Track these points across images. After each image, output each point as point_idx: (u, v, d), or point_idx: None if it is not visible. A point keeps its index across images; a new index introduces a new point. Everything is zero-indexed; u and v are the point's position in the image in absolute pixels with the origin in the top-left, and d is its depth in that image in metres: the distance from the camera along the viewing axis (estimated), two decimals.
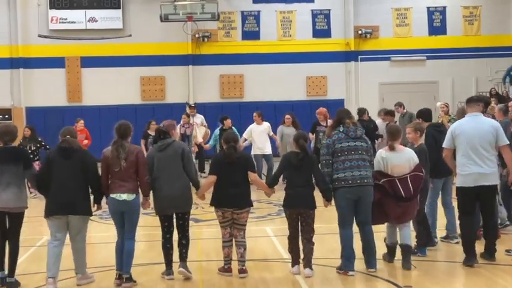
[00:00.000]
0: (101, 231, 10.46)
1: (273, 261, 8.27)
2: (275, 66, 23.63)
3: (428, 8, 24.32)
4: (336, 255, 7.67)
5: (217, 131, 16.23)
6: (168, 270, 7.48)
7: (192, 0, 21.26)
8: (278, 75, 23.53)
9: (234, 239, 7.54)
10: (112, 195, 7.18)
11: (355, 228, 7.48)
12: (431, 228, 8.60)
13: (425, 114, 9.14)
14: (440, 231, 8.92)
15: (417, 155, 7.68)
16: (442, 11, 24.40)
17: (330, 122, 15.33)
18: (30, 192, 7.49)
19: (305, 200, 7.34)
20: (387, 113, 15.51)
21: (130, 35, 22.87)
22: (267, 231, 10.23)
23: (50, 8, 23.06)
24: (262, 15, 23.89)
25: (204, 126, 17.84)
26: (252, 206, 7.60)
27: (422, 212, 8.14)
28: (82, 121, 16.94)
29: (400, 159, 7.49)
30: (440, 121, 13.24)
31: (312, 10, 24.08)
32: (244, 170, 7.44)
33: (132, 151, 7.23)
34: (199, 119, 18.05)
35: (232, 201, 7.37)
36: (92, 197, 7.31)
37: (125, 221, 7.23)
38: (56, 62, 23.22)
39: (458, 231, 8.62)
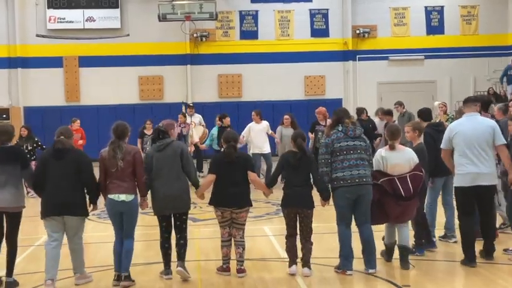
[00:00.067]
0: (100, 231, 10.46)
1: (271, 260, 8.27)
2: (273, 65, 23.63)
3: (426, 7, 24.34)
4: (334, 254, 7.67)
5: (213, 130, 16.24)
6: (167, 270, 7.48)
7: None
8: (276, 75, 23.53)
9: (233, 239, 7.54)
10: (110, 196, 7.16)
11: (353, 227, 7.48)
12: (430, 228, 8.61)
13: (424, 113, 9.16)
14: (439, 230, 8.93)
15: (416, 154, 7.68)
16: (440, 10, 24.42)
17: (329, 121, 15.36)
18: (28, 192, 7.47)
19: (303, 199, 7.34)
20: (386, 113, 15.52)
21: (128, 35, 22.87)
22: (265, 230, 10.23)
23: (48, 8, 23.04)
24: (260, 15, 23.89)
25: (202, 125, 17.86)
26: (252, 205, 7.60)
27: (421, 211, 8.13)
28: (78, 121, 16.93)
29: (400, 159, 7.49)
30: (438, 120, 13.25)
31: (310, 10, 24.09)
32: (243, 170, 7.43)
33: (129, 151, 7.23)
34: (197, 118, 18.07)
35: (232, 200, 7.37)
36: (87, 197, 7.28)
37: (124, 222, 7.22)
38: (54, 62, 23.21)
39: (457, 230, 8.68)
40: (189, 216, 7.68)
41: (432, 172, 8.29)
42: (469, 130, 7.60)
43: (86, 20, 23.11)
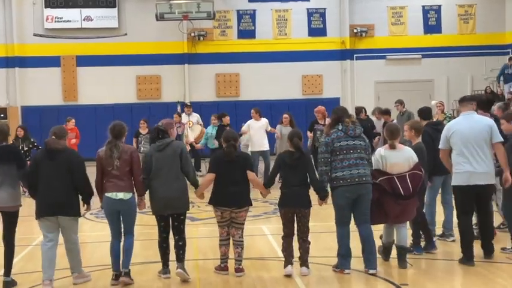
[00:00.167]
0: (97, 230, 10.45)
1: (269, 259, 8.28)
2: (271, 65, 23.64)
3: (423, 6, 24.37)
4: (332, 253, 7.68)
5: (209, 129, 16.26)
6: (165, 269, 7.48)
7: None
8: (274, 74, 23.54)
9: (232, 238, 7.54)
10: (107, 195, 7.15)
11: (352, 226, 7.48)
12: (431, 226, 8.60)
13: (424, 112, 9.16)
14: (437, 229, 8.92)
15: (415, 153, 7.68)
16: (437, 9, 24.45)
17: (328, 120, 15.37)
18: (24, 191, 7.47)
19: (300, 199, 7.33)
20: (384, 112, 15.52)
21: (125, 34, 22.87)
22: (263, 229, 10.23)
23: (45, 7, 23.04)
24: (258, 14, 23.90)
25: (200, 125, 17.85)
26: (252, 205, 7.58)
27: (421, 211, 8.12)
28: (73, 120, 16.92)
29: (399, 158, 7.48)
30: (435, 119, 13.25)
31: (308, 9, 24.11)
32: (243, 169, 7.42)
33: (126, 150, 7.22)
34: (195, 117, 18.08)
35: (232, 200, 7.35)
36: (80, 197, 7.25)
37: (123, 220, 7.21)
38: (52, 61, 23.21)
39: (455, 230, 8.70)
40: (187, 215, 7.66)
41: (431, 171, 8.29)
42: (466, 129, 7.60)
43: (84, 20, 23.10)
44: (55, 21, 23.11)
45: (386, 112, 15.49)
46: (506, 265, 7.66)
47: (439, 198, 8.97)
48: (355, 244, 7.52)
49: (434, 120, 11.82)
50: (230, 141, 7.45)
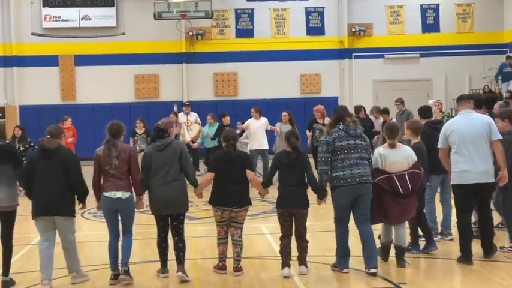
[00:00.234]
0: (96, 230, 10.44)
1: (267, 259, 8.27)
2: (269, 64, 23.64)
3: (421, 5, 24.38)
4: (331, 252, 7.68)
5: (205, 128, 16.26)
6: (163, 269, 7.47)
7: None
8: (272, 73, 23.55)
9: (231, 238, 7.52)
10: (106, 194, 7.14)
11: (350, 225, 7.47)
12: (432, 224, 8.60)
13: (424, 111, 9.13)
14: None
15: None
16: (436, 8, 24.46)
17: (327, 119, 15.40)
18: (21, 191, 7.45)
19: (298, 199, 7.31)
20: (382, 111, 15.52)
21: (124, 33, 22.86)
22: (261, 229, 10.23)
23: (43, 6, 23.02)
24: (256, 13, 23.90)
25: (198, 124, 17.85)
26: (251, 204, 7.57)
27: (420, 210, 8.09)
28: (70, 119, 16.89)
29: (398, 157, 7.46)
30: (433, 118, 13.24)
31: (306, 8, 24.11)
32: (242, 168, 7.40)
33: (125, 150, 7.21)
34: (193, 117, 18.08)
35: (232, 199, 7.34)
36: (76, 197, 7.22)
37: (121, 220, 7.21)
38: (50, 60, 23.19)
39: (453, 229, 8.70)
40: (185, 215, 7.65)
41: (429, 170, 8.27)
42: (464, 127, 7.59)
43: (82, 19, 23.09)
44: (53, 21, 23.09)
45: (385, 111, 15.50)
46: (505, 264, 7.66)
47: (437, 197, 8.96)
48: (354, 243, 7.52)
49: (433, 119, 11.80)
50: (230, 140, 7.44)
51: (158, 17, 21.90)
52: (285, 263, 7.36)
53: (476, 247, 7.85)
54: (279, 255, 7.47)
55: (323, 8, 24.14)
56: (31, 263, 8.09)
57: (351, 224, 7.45)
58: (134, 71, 23.56)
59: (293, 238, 7.44)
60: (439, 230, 8.88)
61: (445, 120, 12.00)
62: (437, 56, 24.16)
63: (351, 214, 7.41)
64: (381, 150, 7.54)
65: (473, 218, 8.15)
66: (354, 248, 7.52)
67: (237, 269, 7.47)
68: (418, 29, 24.38)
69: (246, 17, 23.94)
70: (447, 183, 8.53)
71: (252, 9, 23.95)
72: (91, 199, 7.44)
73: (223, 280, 7.31)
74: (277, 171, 7.51)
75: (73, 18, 23.09)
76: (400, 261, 7.57)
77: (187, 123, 17.72)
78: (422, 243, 8.23)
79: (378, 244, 7.82)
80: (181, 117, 17.88)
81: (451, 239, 8.72)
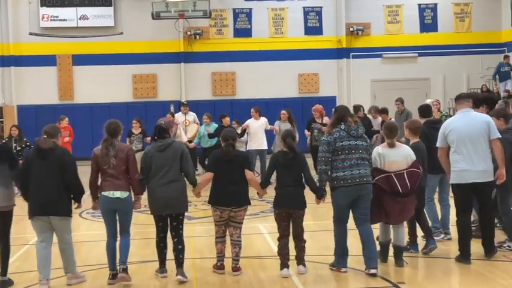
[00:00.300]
0: (93, 230, 10.44)
1: (266, 258, 8.27)
2: (267, 63, 23.65)
3: (419, 5, 24.40)
4: (330, 252, 7.67)
5: (201, 128, 16.25)
6: (162, 269, 7.47)
7: None
8: (270, 73, 23.56)
9: (230, 238, 7.51)
10: (104, 193, 7.12)
11: (349, 225, 7.46)
12: (434, 223, 8.59)
13: (424, 110, 9.10)
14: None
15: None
16: (433, 8, 24.48)
17: (325, 119, 15.42)
18: (17, 192, 7.44)
19: (295, 199, 7.30)
20: (382, 111, 15.51)
21: (121, 33, 22.86)
22: (259, 228, 10.23)
23: (41, 6, 23.01)
24: (254, 13, 23.90)
25: (197, 123, 17.84)
26: (250, 204, 7.55)
27: (420, 210, 8.07)
28: (66, 119, 16.88)
29: (397, 156, 7.45)
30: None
31: (304, 7, 24.12)
32: (242, 168, 7.39)
33: (123, 149, 7.20)
34: (191, 116, 18.07)
35: (231, 199, 7.33)
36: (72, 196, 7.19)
37: (119, 219, 7.19)
38: (47, 60, 23.18)
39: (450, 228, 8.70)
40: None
41: (428, 170, 8.24)
42: (463, 126, 7.57)
43: (80, 18, 23.08)
44: (51, 20, 23.07)
45: (384, 111, 15.49)
46: (503, 263, 7.66)
47: (436, 196, 8.97)
48: (353, 243, 7.52)
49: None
50: (229, 140, 7.43)
51: (156, 16, 21.90)
52: (284, 264, 7.35)
53: (475, 246, 7.86)
54: (277, 255, 7.46)
55: (321, 7, 24.14)
56: (29, 263, 8.08)
57: (350, 223, 7.45)
58: (132, 71, 23.55)
59: (291, 238, 7.43)
60: (449, 230, 8.81)
61: (444, 119, 12.01)
62: (435, 55, 24.18)
63: (351, 214, 7.40)
64: (379, 149, 7.53)
65: (472, 217, 8.14)
66: (352, 247, 7.53)
67: (236, 268, 7.47)
68: (416, 29, 24.40)
69: (244, 17, 23.94)
70: (445, 182, 8.52)
71: (250, 9, 23.95)
72: (88, 199, 7.43)
73: (221, 280, 7.31)
74: (275, 172, 7.50)
75: (71, 17, 23.08)
76: (399, 261, 7.57)
77: (186, 123, 17.72)
78: (422, 243, 8.23)
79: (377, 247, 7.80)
80: (180, 117, 17.88)
81: (449, 239, 8.72)
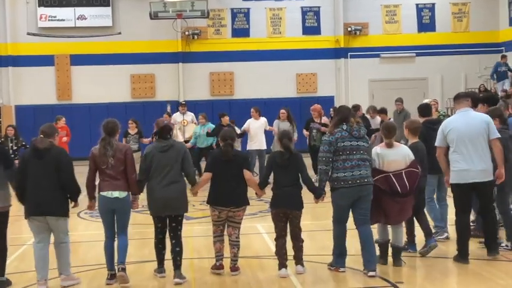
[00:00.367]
0: (91, 230, 10.42)
1: (264, 258, 8.27)
2: (265, 63, 23.65)
3: (417, 4, 24.41)
4: (328, 251, 7.68)
5: (196, 129, 16.24)
6: (160, 269, 7.46)
7: None
8: (268, 73, 23.56)
9: (228, 238, 7.50)
10: (103, 194, 7.11)
11: (348, 225, 7.45)
12: (438, 223, 8.57)
13: (423, 109, 9.05)
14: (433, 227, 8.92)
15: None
16: (431, 7, 24.49)
17: (324, 118, 15.43)
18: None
19: (292, 200, 7.29)
20: (381, 111, 15.50)
21: (119, 33, 22.84)
22: (258, 228, 10.24)
23: (39, 6, 22.98)
24: (252, 13, 23.90)
25: (195, 123, 17.82)
26: (249, 204, 7.54)
27: (421, 209, 8.06)
28: (63, 119, 16.85)
29: (396, 156, 7.44)
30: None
31: (302, 7, 24.12)
32: (240, 168, 7.38)
33: (121, 149, 7.18)
34: (189, 116, 18.06)
35: (229, 199, 7.32)
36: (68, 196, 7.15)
37: (117, 219, 7.17)
38: (45, 60, 23.15)
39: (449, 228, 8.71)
40: None
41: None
42: (463, 126, 7.54)
43: (77, 18, 23.06)
44: (49, 20, 23.04)
45: (383, 111, 15.48)
46: (501, 263, 7.66)
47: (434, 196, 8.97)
48: (352, 242, 7.51)
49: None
50: (227, 140, 7.42)
51: (154, 16, 21.89)
52: (282, 264, 7.35)
53: (473, 246, 7.87)
54: (275, 255, 7.46)
55: (319, 7, 24.14)
56: (27, 263, 8.07)
57: (349, 223, 7.44)
58: (130, 71, 23.53)
59: (288, 238, 7.43)
60: (434, 230, 8.82)
61: (442, 119, 12.00)
62: (433, 55, 24.19)
63: (350, 214, 7.39)
64: (378, 149, 7.52)
65: (471, 217, 8.14)
66: (351, 247, 7.53)
67: (234, 268, 7.47)
68: (414, 29, 24.41)
69: (242, 17, 23.93)
70: (443, 182, 8.51)
71: (248, 9, 23.94)
72: (84, 199, 7.41)
73: (220, 280, 7.30)
74: (273, 172, 7.50)
75: (69, 17, 23.06)
76: (397, 261, 7.57)
77: (184, 123, 17.71)
78: (420, 243, 8.21)
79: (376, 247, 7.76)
80: (178, 116, 17.88)
81: (447, 238, 8.72)
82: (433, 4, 24.44)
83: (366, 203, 7.24)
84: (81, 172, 7.49)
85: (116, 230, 7.23)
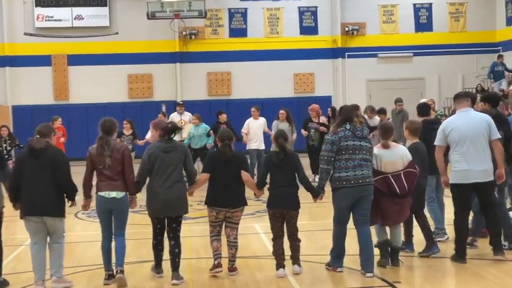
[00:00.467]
0: (90, 230, 10.42)
1: (262, 258, 8.26)
2: (262, 63, 23.65)
3: (414, 4, 24.44)
4: (326, 251, 7.67)
5: (191, 129, 16.25)
6: (158, 269, 7.45)
7: None
8: (265, 73, 23.56)
9: (226, 239, 7.48)
10: (101, 194, 7.09)
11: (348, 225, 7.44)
12: (438, 224, 8.55)
13: (421, 108, 9.03)
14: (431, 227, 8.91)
15: (410, 152, 7.65)
16: (428, 7, 24.51)
17: (322, 118, 15.44)
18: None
19: (288, 200, 7.28)
20: (380, 111, 15.50)
21: (117, 33, 22.83)
22: (256, 228, 10.24)
23: (36, 6, 22.96)
24: (249, 13, 23.90)
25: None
26: (247, 204, 7.53)
27: (421, 211, 8.04)
28: (60, 119, 16.84)
29: (393, 156, 7.44)
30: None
31: (299, 7, 24.13)
32: (238, 169, 7.37)
33: (118, 149, 7.15)
34: (187, 116, 18.05)
35: (227, 200, 7.31)
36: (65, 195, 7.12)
37: (114, 219, 7.15)
38: (43, 60, 23.13)
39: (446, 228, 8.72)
40: None
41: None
42: (464, 126, 7.51)
43: (75, 18, 23.04)
44: (46, 20, 23.02)
45: (382, 111, 15.48)
46: (499, 262, 7.65)
47: None
48: (350, 242, 7.50)
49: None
50: (225, 140, 7.41)
51: (151, 16, 21.87)
52: (279, 264, 7.35)
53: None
54: (273, 255, 7.46)
55: (316, 7, 24.15)
56: (25, 264, 8.05)
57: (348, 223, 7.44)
58: (128, 71, 23.52)
59: (285, 238, 7.42)
60: (446, 230, 8.73)
61: (439, 119, 12.00)
62: (430, 55, 24.21)
63: (350, 215, 7.38)
64: (375, 150, 7.49)
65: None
66: (349, 247, 7.52)
67: (232, 269, 7.47)
68: (411, 28, 24.43)
69: (240, 17, 23.93)
70: (441, 183, 8.51)
71: (246, 9, 23.94)
72: (81, 199, 7.39)
73: (218, 280, 7.29)
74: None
75: (66, 17, 23.03)
76: (395, 260, 7.57)
77: (181, 123, 17.69)
78: (417, 243, 8.22)
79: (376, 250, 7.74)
80: (175, 116, 17.86)
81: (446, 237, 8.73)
82: (430, 4, 24.46)
83: (367, 203, 7.22)
84: (78, 172, 7.47)
85: (113, 231, 7.20)
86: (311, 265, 7.66)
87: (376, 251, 7.50)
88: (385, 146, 7.49)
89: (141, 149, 13.73)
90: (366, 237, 7.27)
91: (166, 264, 7.43)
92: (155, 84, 23.74)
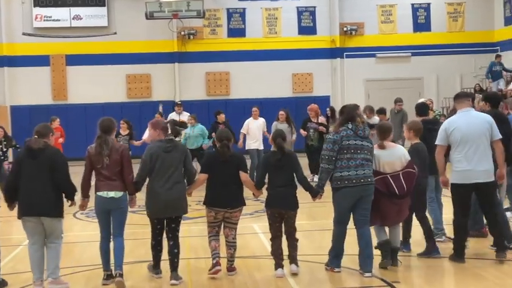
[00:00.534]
0: (88, 230, 10.41)
1: (261, 258, 8.26)
2: (261, 63, 23.65)
3: (412, 4, 24.45)
4: (324, 251, 7.67)
5: (188, 130, 16.25)
6: (157, 270, 7.45)
7: None
8: (264, 73, 23.56)
9: (225, 239, 7.49)
10: (99, 193, 7.07)
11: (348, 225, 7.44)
12: (437, 224, 8.53)
13: (420, 108, 9.00)
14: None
15: (410, 153, 7.63)
16: (427, 7, 24.53)
17: (321, 118, 15.44)
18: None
19: (286, 200, 7.27)
20: (379, 111, 15.50)
21: (115, 33, 22.82)
22: (254, 228, 10.24)
23: (34, 6, 22.95)
24: (248, 13, 23.90)
25: None
26: (245, 204, 7.54)
27: (421, 211, 8.04)
28: (58, 119, 16.82)
29: (391, 156, 7.43)
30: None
31: (298, 7, 24.13)
32: (237, 169, 7.36)
33: (117, 148, 7.13)
34: (185, 116, 18.04)
35: (226, 200, 7.31)
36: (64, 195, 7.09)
37: (113, 220, 7.14)
38: (41, 60, 23.11)
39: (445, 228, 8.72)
40: None
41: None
42: (465, 126, 7.49)
43: (73, 18, 23.03)
44: (44, 20, 23.01)
45: (381, 111, 15.48)
46: (498, 262, 7.66)
47: None
48: (348, 241, 7.50)
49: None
50: (223, 140, 7.40)
51: (150, 16, 21.87)
52: (278, 264, 7.35)
53: (470, 245, 7.87)
54: (271, 255, 7.46)
55: (315, 7, 24.15)
56: (23, 264, 8.03)
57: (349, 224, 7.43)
58: (126, 71, 23.51)
59: (284, 237, 7.42)
60: (445, 231, 8.71)
61: (438, 119, 12.00)
62: (428, 55, 24.22)
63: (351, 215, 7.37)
64: (374, 150, 7.50)
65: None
66: (348, 247, 7.51)
67: (231, 268, 7.47)
68: (410, 28, 24.45)
69: (238, 17, 23.93)
70: (439, 182, 8.51)
71: (244, 9, 23.94)
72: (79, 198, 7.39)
73: (216, 280, 7.29)
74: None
75: (64, 18, 23.02)
76: (394, 261, 7.57)
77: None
78: (416, 243, 8.23)
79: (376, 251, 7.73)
80: (174, 116, 17.85)
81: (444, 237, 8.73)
82: (429, 4, 24.48)
83: (367, 203, 7.22)
84: (76, 172, 7.47)
85: (111, 231, 7.18)
86: (310, 265, 7.66)
87: (376, 251, 7.49)
88: (381, 147, 7.48)
89: (137, 149, 13.77)
90: (366, 238, 7.26)
91: (165, 265, 7.43)
92: (153, 84, 23.73)
